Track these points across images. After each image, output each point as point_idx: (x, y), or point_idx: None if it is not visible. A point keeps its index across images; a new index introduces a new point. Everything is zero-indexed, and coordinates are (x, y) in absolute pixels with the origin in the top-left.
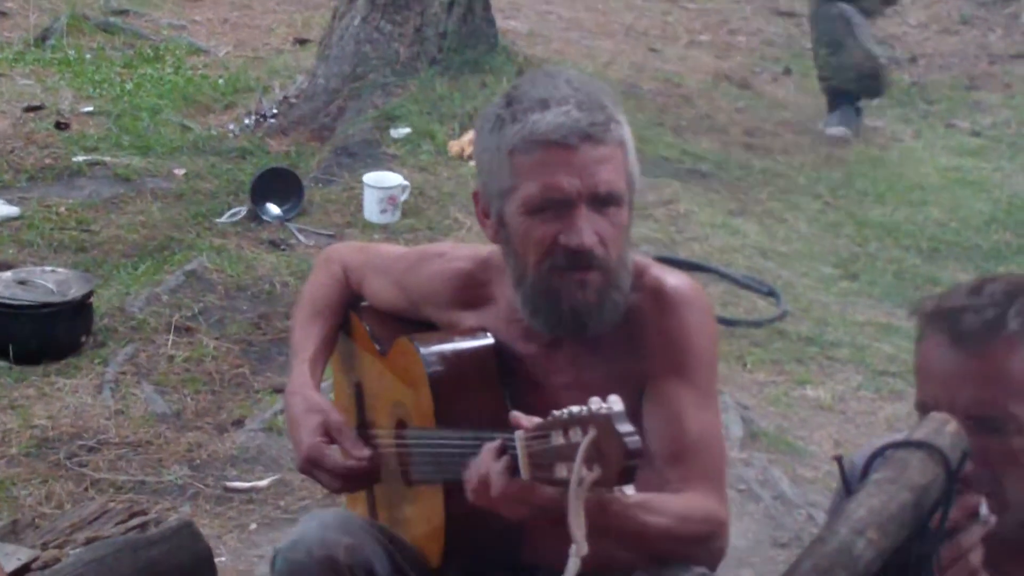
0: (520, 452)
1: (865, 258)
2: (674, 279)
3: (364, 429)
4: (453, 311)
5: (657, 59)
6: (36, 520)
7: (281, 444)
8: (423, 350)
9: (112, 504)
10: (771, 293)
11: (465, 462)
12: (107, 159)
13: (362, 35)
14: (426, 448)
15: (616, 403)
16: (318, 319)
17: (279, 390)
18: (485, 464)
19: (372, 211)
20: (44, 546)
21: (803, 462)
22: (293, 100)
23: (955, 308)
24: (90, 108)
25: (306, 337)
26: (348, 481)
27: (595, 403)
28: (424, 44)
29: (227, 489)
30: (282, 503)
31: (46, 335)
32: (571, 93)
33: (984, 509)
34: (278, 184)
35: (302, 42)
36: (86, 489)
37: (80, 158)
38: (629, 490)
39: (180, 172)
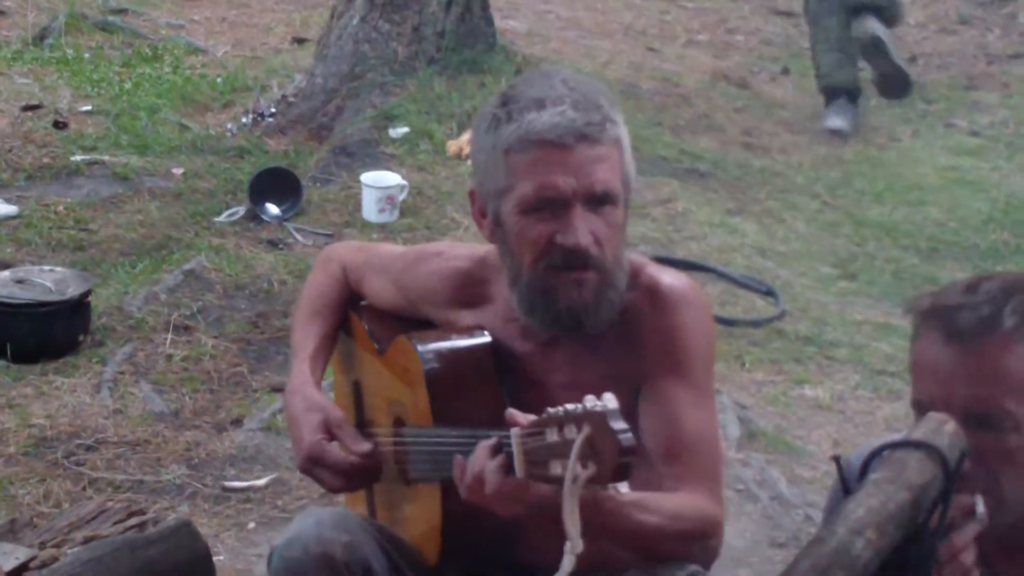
0: (516, 450)
1: (863, 258)
2: (671, 278)
3: (363, 428)
4: (451, 310)
5: (655, 58)
6: (34, 519)
7: (279, 444)
8: (420, 348)
9: (110, 503)
10: (769, 292)
11: (460, 459)
12: (105, 158)
13: (360, 34)
14: (423, 446)
15: (610, 401)
16: (318, 318)
17: (277, 389)
18: (480, 462)
19: (370, 210)
20: (42, 545)
21: (801, 462)
22: (291, 99)
23: (951, 306)
24: (88, 107)
25: (306, 336)
26: (349, 479)
27: (590, 400)
28: (422, 43)
29: (225, 488)
30: (280, 502)
31: (44, 334)
32: (567, 93)
33: (981, 507)
34: (276, 183)
35: (300, 41)
36: (84, 488)
37: (78, 157)
38: (623, 487)
39: (178, 171)
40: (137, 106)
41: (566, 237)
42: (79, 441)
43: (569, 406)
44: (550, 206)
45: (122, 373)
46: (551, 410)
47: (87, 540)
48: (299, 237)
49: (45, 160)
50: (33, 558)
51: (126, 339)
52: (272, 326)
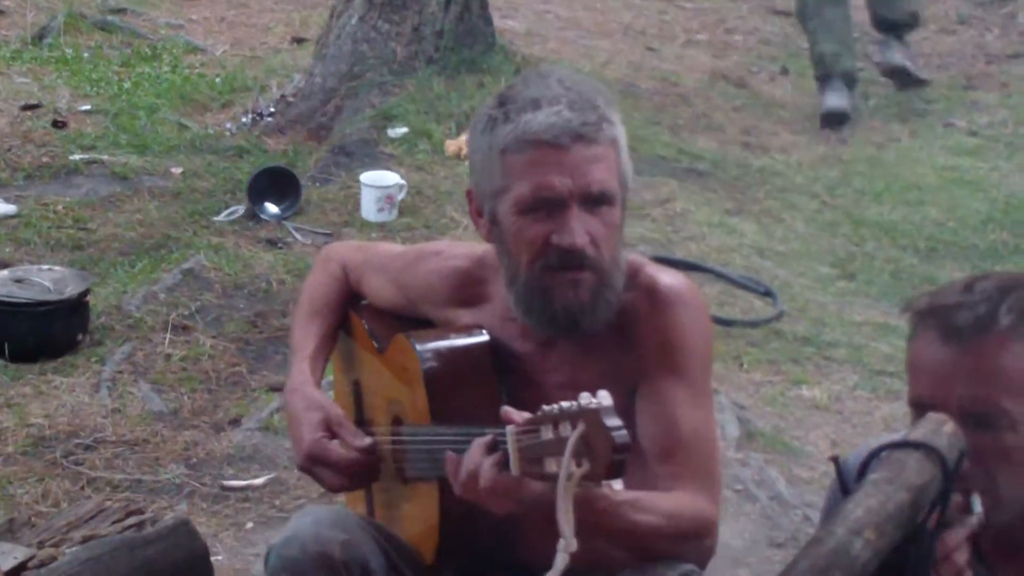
0: (511, 447)
1: (862, 258)
2: (668, 278)
3: (362, 427)
4: (450, 309)
5: (654, 58)
6: (32, 519)
7: (277, 443)
8: (419, 347)
9: (109, 503)
10: (768, 293)
11: (453, 455)
12: (104, 157)
13: (359, 34)
14: (420, 445)
15: (605, 398)
16: (317, 317)
17: (276, 389)
18: (475, 459)
19: (369, 210)
20: (40, 545)
21: (800, 462)
22: (290, 99)
23: (947, 305)
24: (87, 107)
25: (305, 336)
26: (349, 477)
27: (584, 398)
28: (421, 43)
29: (223, 488)
30: (278, 502)
31: (43, 333)
32: (563, 93)
33: (978, 506)
34: (275, 183)
35: (299, 41)
36: (83, 488)
37: (77, 156)
38: (617, 485)
39: (177, 171)
40: (136, 105)
41: (562, 237)
42: (77, 440)
43: (564, 403)
44: (546, 206)
45: (120, 372)
46: (546, 408)
47: (85, 539)
48: (298, 236)
49: (44, 159)
50: (31, 557)
51: (125, 338)
52: (271, 326)
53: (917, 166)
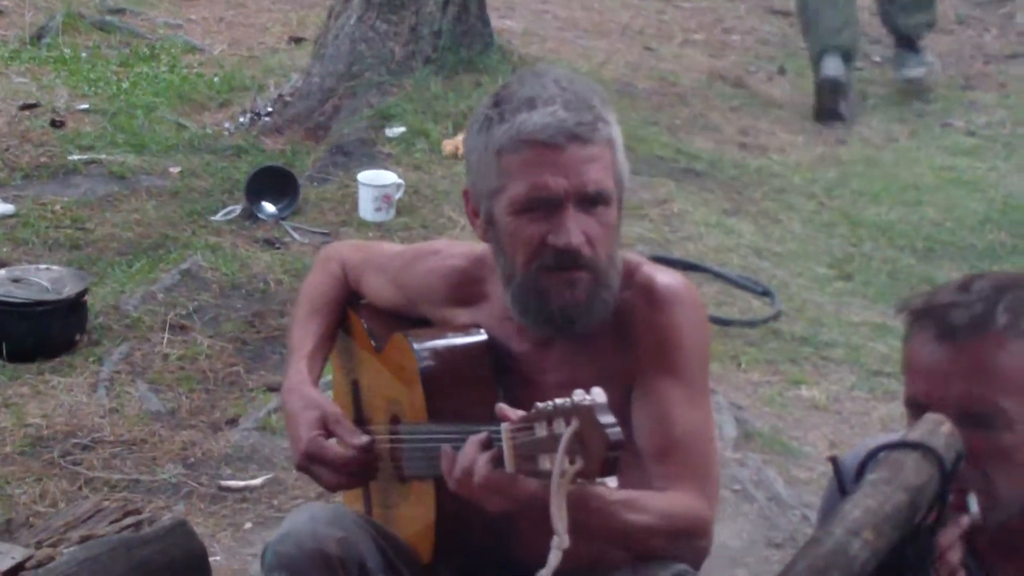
0: (505, 444)
1: (860, 258)
2: (665, 277)
3: (361, 427)
4: (448, 308)
5: (652, 58)
6: (30, 519)
7: (275, 443)
8: (416, 346)
9: (106, 503)
10: (766, 293)
11: (449, 450)
12: (102, 157)
13: (357, 34)
14: (417, 443)
15: (599, 395)
16: (316, 316)
17: (273, 389)
18: (470, 455)
19: (367, 210)
20: (38, 545)
21: (797, 463)
22: (288, 99)
23: (944, 304)
24: (86, 106)
25: (304, 335)
26: (347, 475)
27: (578, 395)
28: (419, 43)
29: (221, 488)
30: (276, 502)
31: (41, 333)
32: (558, 93)
33: (974, 506)
34: (273, 182)
35: (297, 40)
36: (80, 488)
37: (75, 156)
38: (612, 482)
39: (175, 170)
40: (134, 105)
41: (558, 238)
42: (75, 440)
43: (558, 400)
44: (542, 206)
45: (118, 372)
46: (540, 405)
47: (83, 539)
48: (296, 236)
49: (42, 159)
50: (29, 558)
51: (122, 338)
52: (268, 325)
53: (915, 166)
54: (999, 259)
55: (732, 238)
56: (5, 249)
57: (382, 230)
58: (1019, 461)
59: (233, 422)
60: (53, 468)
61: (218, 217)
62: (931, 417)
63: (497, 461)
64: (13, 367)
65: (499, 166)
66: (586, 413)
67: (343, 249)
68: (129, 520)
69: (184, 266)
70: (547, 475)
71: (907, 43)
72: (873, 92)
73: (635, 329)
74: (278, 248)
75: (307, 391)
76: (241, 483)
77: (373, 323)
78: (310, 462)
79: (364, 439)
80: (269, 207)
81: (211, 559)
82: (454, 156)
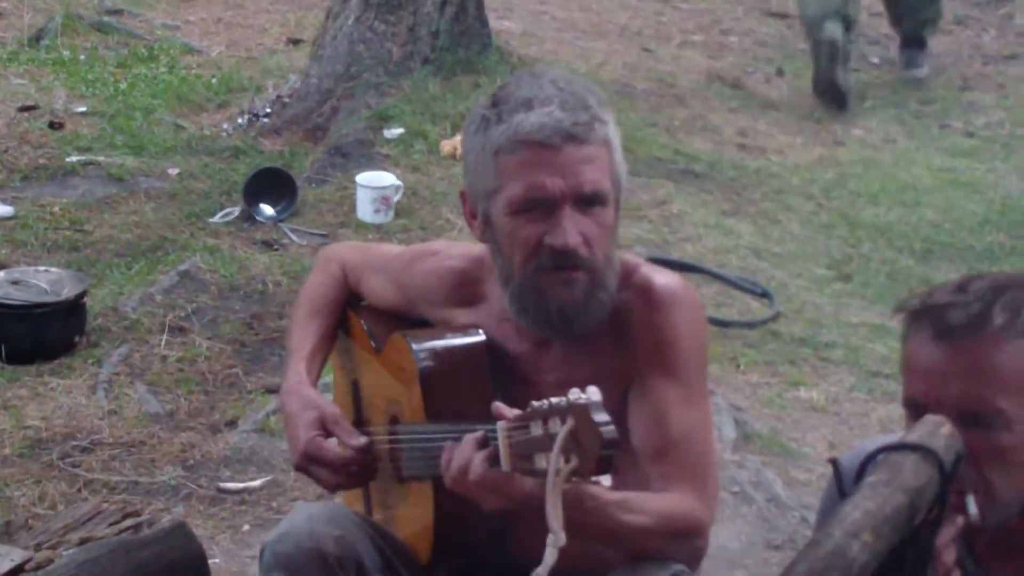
0: (501, 443)
1: (858, 259)
2: (663, 277)
3: (361, 427)
4: (447, 309)
5: (650, 59)
6: (29, 521)
7: (274, 445)
8: (415, 346)
9: (105, 505)
10: (764, 294)
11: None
12: (101, 159)
13: (355, 35)
14: (416, 443)
15: (594, 394)
16: (316, 318)
17: (272, 390)
18: (466, 453)
19: (365, 211)
20: (37, 547)
21: (797, 464)
22: (286, 100)
23: (941, 304)
24: (84, 108)
25: (303, 336)
26: (345, 475)
27: (574, 393)
28: (417, 44)
29: (220, 490)
30: (275, 504)
31: (39, 335)
32: (555, 93)
33: (972, 507)
34: (271, 184)
35: (295, 42)
36: (79, 490)
37: (74, 158)
38: (606, 481)
39: (173, 172)
40: (132, 107)
41: (554, 238)
42: (74, 442)
43: (553, 399)
44: (539, 207)
45: (117, 374)
46: (536, 403)
47: (82, 542)
48: (294, 238)
49: (41, 161)
50: (29, 560)
51: (121, 340)
52: (267, 327)
53: (913, 167)
54: (998, 260)
55: (731, 239)
56: (4, 251)
57: (381, 232)
58: (1017, 461)
59: (232, 424)
60: (52, 470)
61: (216, 219)
62: (930, 419)
63: (493, 460)
64: (12, 369)
65: (496, 167)
66: (581, 412)
67: (343, 251)
68: (128, 522)
69: (183, 268)
70: (543, 474)
71: (915, 42)
72: (871, 93)
73: (633, 329)
74: (276, 250)
75: (306, 392)
76: (240, 485)
77: (373, 324)
78: (309, 463)
79: (362, 440)
80: (267, 209)
81: (210, 561)
82: (452, 157)
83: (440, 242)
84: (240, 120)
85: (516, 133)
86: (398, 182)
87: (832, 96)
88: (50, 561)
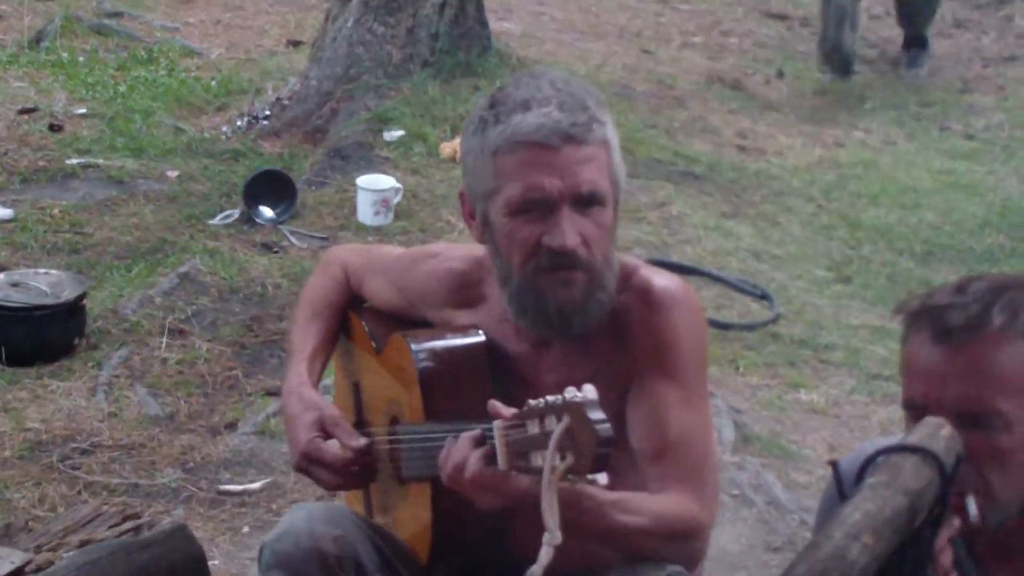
0: (498, 441)
1: (859, 261)
2: (662, 279)
3: (362, 429)
4: (447, 310)
5: (650, 61)
6: (29, 523)
7: (273, 447)
8: (414, 346)
9: (105, 507)
10: (764, 296)
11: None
12: (100, 161)
13: (355, 37)
14: (415, 443)
15: (590, 392)
16: (317, 319)
17: (271, 393)
18: (462, 452)
19: (365, 213)
20: (37, 549)
21: (796, 466)
22: (286, 102)
23: (940, 306)
24: (83, 110)
25: (304, 337)
26: (344, 476)
27: (570, 392)
28: (416, 46)
29: (220, 492)
30: (275, 506)
31: (39, 337)
32: (553, 94)
33: (972, 508)
34: (271, 186)
35: (295, 44)
36: (79, 492)
37: (73, 160)
38: (602, 479)
39: (173, 174)
40: (132, 109)
41: (553, 238)
42: (74, 445)
43: (549, 398)
44: (537, 207)
45: (117, 376)
46: (532, 402)
47: (82, 544)
48: (294, 240)
49: (40, 163)
50: (28, 562)
51: (121, 342)
52: (266, 329)
53: (913, 169)
54: (998, 262)
55: (731, 241)
56: (3, 253)
57: (380, 234)
58: (1016, 462)
59: (232, 426)
60: (52, 472)
61: (216, 221)
62: (931, 420)
63: (490, 458)
64: (12, 371)
65: (494, 167)
66: (577, 410)
67: (345, 253)
68: (128, 524)
69: (182, 270)
70: (539, 472)
71: (919, 42)
72: (871, 95)
73: (632, 331)
74: (276, 252)
75: (306, 393)
76: (240, 487)
77: (374, 325)
78: (308, 463)
79: (362, 441)
80: (267, 211)
81: (210, 563)
82: (452, 159)
83: (441, 244)
84: (240, 122)
85: (514, 134)
86: (398, 184)
87: (837, 60)
88: (50, 563)
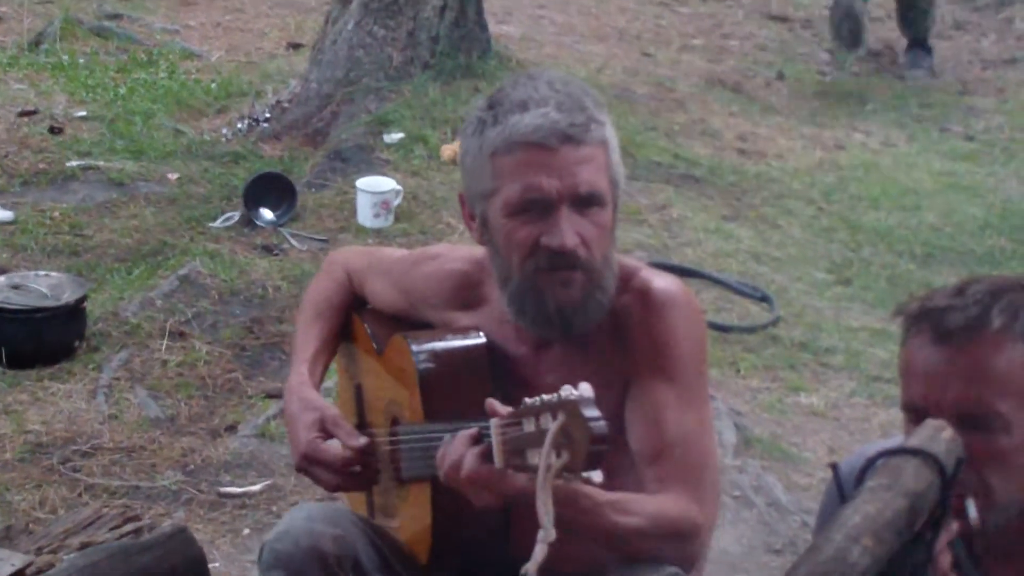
0: (494, 439)
1: (859, 263)
2: (662, 281)
3: (363, 430)
4: (449, 311)
5: (650, 63)
6: (30, 525)
7: (274, 450)
8: (415, 347)
9: (106, 509)
10: (764, 298)
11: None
12: (100, 164)
13: (355, 40)
14: (414, 443)
15: (586, 390)
16: (319, 320)
17: (272, 395)
18: (459, 449)
19: (365, 216)
20: (38, 551)
21: (797, 468)
22: (286, 105)
23: (939, 307)
24: (84, 113)
25: (307, 339)
26: (345, 475)
27: (565, 390)
28: (417, 49)
29: (220, 494)
30: (275, 508)
31: (40, 339)
32: (551, 95)
33: (972, 511)
34: (271, 189)
35: (295, 46)
36: (80, 494)
37: (74, 163)
38: (597, 476)
39: (173, 177)
40: (132, 111)
41: (551, 239)
42: (75, 447)
43: (545, 396)
44: (535, 208)
45: (118, 379)
46: (529, 400)
47: (83, 546)
48: (294, 242)
49: (41, 166)
50: (29, 564)
51: (121, 345)
52: (267, 332)
53: (913, 171)
54: (998, 264)
55: (731, 244)
56: (4, 255)
57: (380, 236)
58: (1016, 464)
59: (232, 429)
60: (53, 475)
61: (216, 223)
62: (931, 423)
63: (486, 456)
64: (12, 374)
65: (493, 168)
66: (572, 407)
67: (348, 255)
68: (129, 527)
69: (183, 272)
70: (535, 470)
71: (922, 44)
72: (872, 97)
73: (631, 332)
74: (276, 254)
75: (307, 393)
76: (240, 490)
77: (375, 327)
78: (308, 463)
79: (362, 440)
80: (267, 213)
81: (210, 565)
82: (452, 162)
83: (443, 246)
84: (240, 125)
85: (512, 134)
86: (398, 187)
87: (848, 27)
88: (51, 565)
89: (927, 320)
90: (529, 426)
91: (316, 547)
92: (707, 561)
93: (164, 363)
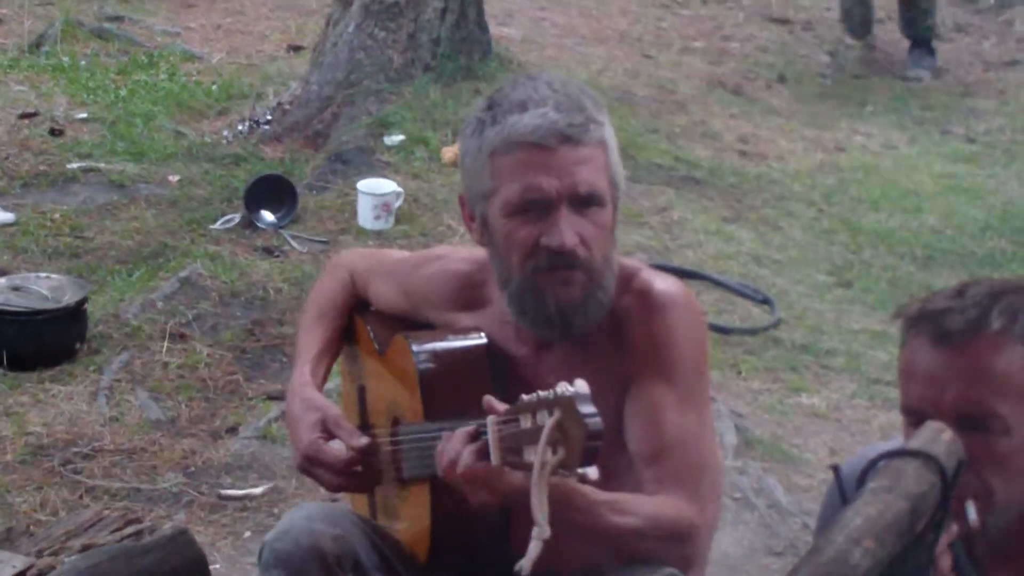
0: (491, 436)
1: (859, 265)
2: (662, 282)
3: (366, 431)
4: (450, 312)
5: (651, 65)
6: (31, 527)
7: (275, 452)
8: (415, 347)
9: (107, 511)
10: (765, 301)
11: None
12: (101, 165)
13: (356, 42)
14: (414, 442)
15: (581, 386)
16: (322, 321)
17: (273, 397)
18: (455, 446)
19: (366, 218)
20: (39, 553)
21: (798, 470)
22: (287, 107)
23: (939, 309)
24: (84, 115)
25: (310, 340)
26: (347, 475)
27: (561, 386)
28: (418, 51)
29: (221, 497)
30: (276, 510)
31: (40, 341)
32: (550, 95)
33: (972, 513)
34: (272, 191)
35: (296, 48)
36: (81, 496)
37: (74, 164)
38: (592, 472)
39: (174, 178)
40: (133, 113)
41: (551, 239)
42: (76, 449)
43: (541, 392)
44: (535, 208)
45: (118, 381)
46: (525, 397)
47: (84, 548)
48: (295, 244)
49: (41, 167)
50: (30, 566)
51: (122, 347)
52: (267, 334)
53: (914, 173)
54: (999, 266)
55: (732, 246)
56: (5, 257)
57: (381, 238)
58: (1016, 466)
59: (233, 431)
60: (54, 477)
61: (217, 225)
62: (932, 425)
63: (483, 453)
64: (13, 376)
65: (492, 168)
66: (567, 404)
67: (352, 257)
68: (130, 529)
69: (183, 274)
70: (531, 467)
71: (924, 45)
72: (872, 99)
73: (632, 333)
74: (277, 256)
75: (309, 394)
76: (241, 492)
77: (378, 328)
78: (310, 464)
79: (363, 441)
80: (268, 215)
81: (211, 567)
82: (453, 164)
83: (445, 247)
84: (241, 127)
85: (511, 135)
86: (399, 189)
87: (858, 16)
88: (52, 568)
89: (927, 322)
90: (526, 423)
91: (316, 546)
92: (708, 563)
93: (165, 365)
